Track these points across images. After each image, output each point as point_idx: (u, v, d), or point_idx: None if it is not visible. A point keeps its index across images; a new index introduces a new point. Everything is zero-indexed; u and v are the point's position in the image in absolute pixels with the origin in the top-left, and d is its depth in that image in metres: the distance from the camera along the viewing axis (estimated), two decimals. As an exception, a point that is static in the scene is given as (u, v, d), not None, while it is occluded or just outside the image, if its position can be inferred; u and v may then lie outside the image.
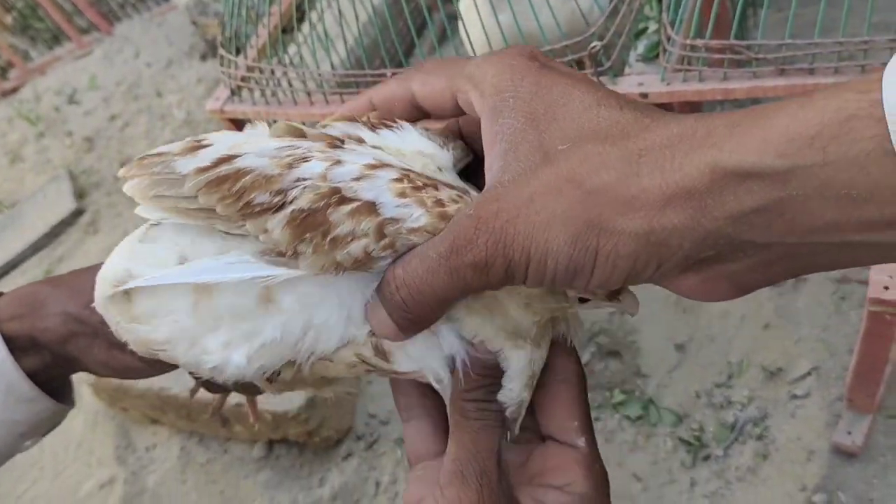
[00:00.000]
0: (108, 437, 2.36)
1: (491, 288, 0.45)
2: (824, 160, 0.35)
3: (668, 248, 0.40)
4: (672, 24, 1.61)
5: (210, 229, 0.50)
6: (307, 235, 0.46)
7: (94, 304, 0.74)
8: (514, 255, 0.42)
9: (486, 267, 0.43)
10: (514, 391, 0.50)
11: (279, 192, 0.47)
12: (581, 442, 0.49)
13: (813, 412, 1.78)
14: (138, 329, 0.54)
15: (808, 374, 1.83)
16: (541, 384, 0.52)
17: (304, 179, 0.47)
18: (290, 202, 0.46)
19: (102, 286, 0.57)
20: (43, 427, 0.80)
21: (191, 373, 0.81)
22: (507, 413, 0.50)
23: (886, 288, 1.36)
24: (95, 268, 0.73)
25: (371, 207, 0.46)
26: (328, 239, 0.46)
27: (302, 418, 1.97)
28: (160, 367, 0.72)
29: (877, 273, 1.38)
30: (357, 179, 0.47)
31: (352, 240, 0.45)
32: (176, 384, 2.03)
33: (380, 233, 0.46)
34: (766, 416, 1.83)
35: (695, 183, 0.38)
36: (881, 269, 1.38)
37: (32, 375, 0.75)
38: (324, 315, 0.50)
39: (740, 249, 0.39)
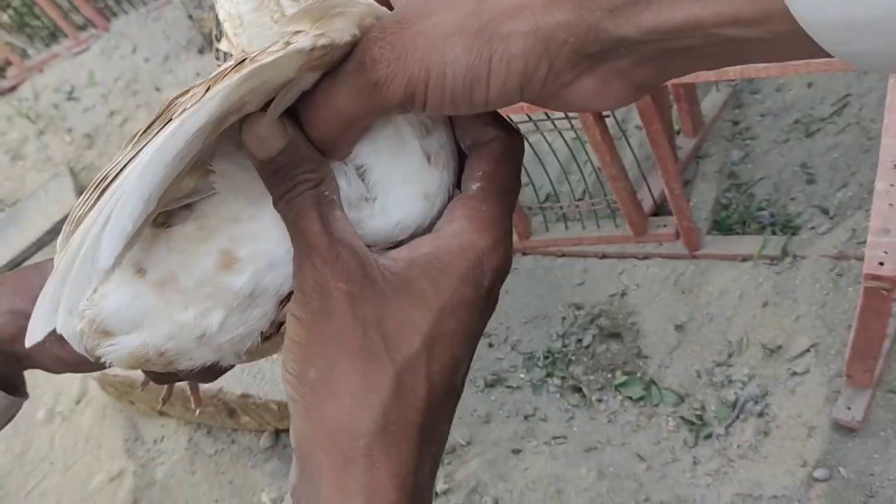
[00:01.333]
0: (116, 431, 2.38)
1: (392, 110, 0.45)
2: None
3: (555, 43, 0.41)
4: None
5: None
6: None
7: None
8: (414, 70, 0.43)
9: (388, 84, 0.43)
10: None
11: None
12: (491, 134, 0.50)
13: (813, 388, 1.80)
14: (122, 342, 0.54)
15: (808, 350, 1.84)
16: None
17: None
18: None
19: (69, 320, 0.54)
20: None
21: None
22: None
23: (881, 263, 1.37)
24: (40, 265, 0.72)
25: None
26: None
27: (307, 407, 1.99)
28: None
29: (872, 249, 1.39)
30: None
31: None
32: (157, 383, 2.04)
33: None
34: (766, 394, 1.85)
35: None
36: (876, 244, 1.39)
37: None
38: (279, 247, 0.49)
39: (621, 45, 0.41)
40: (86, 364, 0.75)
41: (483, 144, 0.50)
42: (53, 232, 3.31)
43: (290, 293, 0.49)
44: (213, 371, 0.72)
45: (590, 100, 0.44)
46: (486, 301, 0.47)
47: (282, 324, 0.53)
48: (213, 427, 2.26)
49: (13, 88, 4.32)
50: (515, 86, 0.43)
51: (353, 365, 0.45)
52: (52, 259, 0.72)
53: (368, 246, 0.47)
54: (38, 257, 3.26)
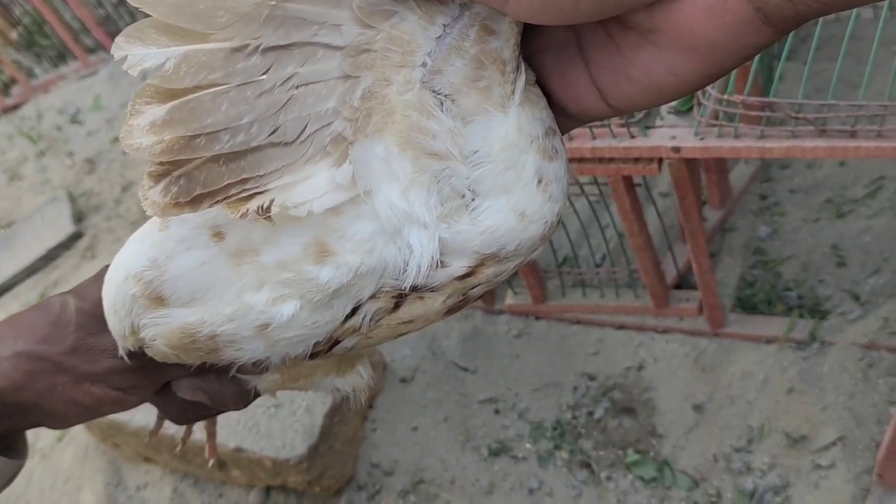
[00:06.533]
0: (97, 474, 2.27)
1: None
2: None
3: None
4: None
5: None
6: None
7: (43, 343, 0.65)
8: None
9: None
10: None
11: None
12: None
13: (838, 484, 1.71)
14: (175, 314, 0.49)
15: (834, 443, 1.76)
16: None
17: None
18: None
19: (123, 285, 0.51)
20: None
21: (159, 404, 0.73)
22: None
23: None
24: (43, 304, 0.65)
25: None
26: None
27: (303, 467, 1.89)
28: (137, 396, 0.66)
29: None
30: None
31: None
32: (173, 424, 1.95)
33: None
34: (787, 486, 1.76)
35: None
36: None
37: None
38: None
39: None
40: (104, 405, 0.67)
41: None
42: (47, 258, 3.21)
43: (356, 308, 0.47)
44: (245, 396, 0.67)
45: (701, 20, 0.36)
46: None
47: (335, 343, 0.50)
48: (200, 478, 2.15)
49: (16, 107, 4.25)
50: None
51: None
52: (56, 296, 0.65)
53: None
54: (28, 284, 3.15)
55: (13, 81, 4.41)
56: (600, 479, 1.91)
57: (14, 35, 4.60)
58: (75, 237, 3.29)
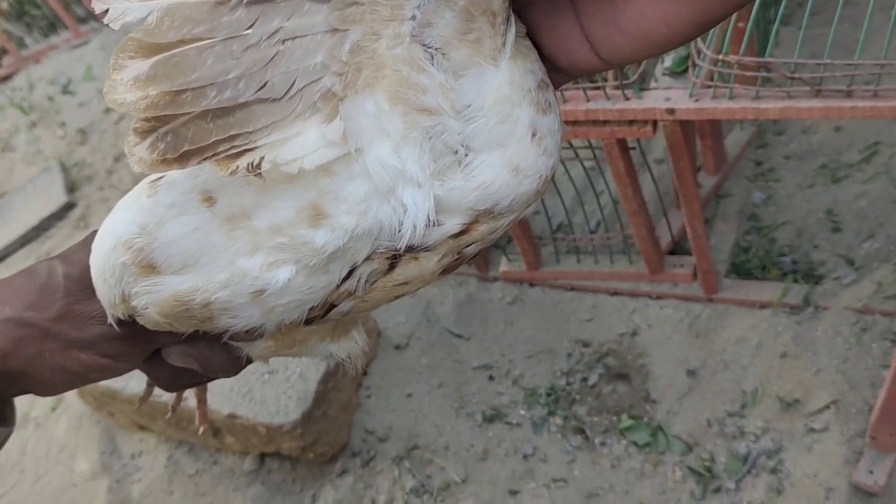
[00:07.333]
0: (92, 442, 2.27)
1: None
2: None
3: None
4: (703, 36, 1.54)
5: None
6: None
7: (30, 309, 0.64)
8: None
9: None
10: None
11: None
12: None
13: (831, 447, 1.71)
14: (167, 282, 0.48)
15: (827, 407, 1.76)
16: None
17: None
18: None
19: (112, 253, 0.50)
20: None
21: (148, 372, 0.72)
22: None
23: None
24: (30, 269, 0.64)
25: None
26: None
27: (297, 433, 1.89)
28: (127, 363, 0.65)
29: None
30: None
31: None
32: (167, 392, 1.94)
33: None
34: (780, 449, 1.76)
35: None
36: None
37: None
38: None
39: None
40: (93, 371, 0.66)
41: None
42: (40, 228, 3.21)
43: (351, 271, 0.46)
44: (237, 363, 0.66)
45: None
46: None
47: (331, 307, 0.49)
48: (194, 445, 2.15)
49: (7, 78, 4.22)
50: None
51: None
52: (43, 262, 0.64)
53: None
54: (20, 254, 3.15)
55: (4, 52, 4.38)
56: (594, 444, 1.91)
57: (4, 5, 4.56)
58: (68, 207, 3.28)
